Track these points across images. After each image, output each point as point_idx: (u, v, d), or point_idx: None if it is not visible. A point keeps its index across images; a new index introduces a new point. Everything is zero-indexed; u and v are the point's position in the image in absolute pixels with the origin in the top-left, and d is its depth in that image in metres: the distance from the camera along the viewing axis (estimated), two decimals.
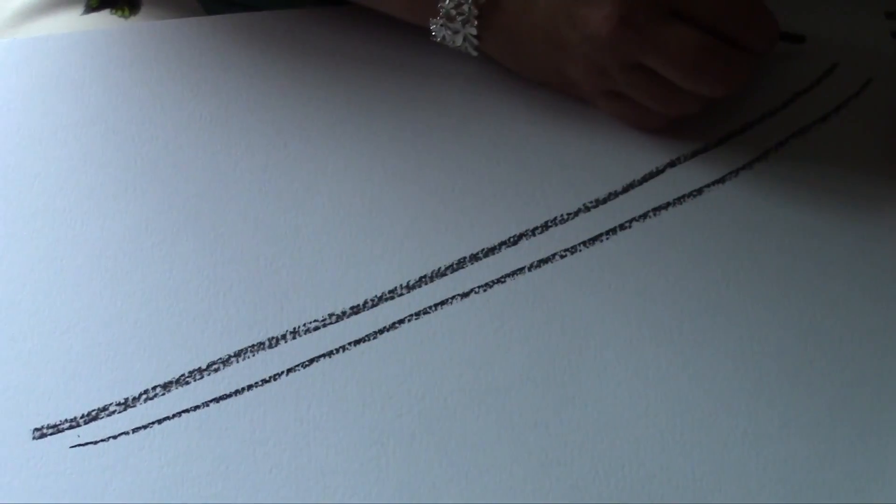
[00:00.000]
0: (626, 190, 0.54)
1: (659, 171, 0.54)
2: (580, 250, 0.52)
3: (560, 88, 0.55)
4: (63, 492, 0.45)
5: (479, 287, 0.50)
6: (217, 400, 0.47)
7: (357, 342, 0.49)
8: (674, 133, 0.55)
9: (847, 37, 0.59)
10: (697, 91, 0.51)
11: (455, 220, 0.52)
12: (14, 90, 0.56)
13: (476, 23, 0.52)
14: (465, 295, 0.50)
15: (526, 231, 0.52)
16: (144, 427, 0.47)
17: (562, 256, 0.52)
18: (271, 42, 0.58)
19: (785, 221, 0.53)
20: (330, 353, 0.48)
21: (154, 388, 0.48)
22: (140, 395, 0.47)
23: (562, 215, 0.53)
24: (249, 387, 0.48)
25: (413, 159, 0.54)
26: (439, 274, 0.51)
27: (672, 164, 0.55)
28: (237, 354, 0.48)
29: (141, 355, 0.48)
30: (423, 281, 0.51)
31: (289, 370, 0.48)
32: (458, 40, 0.53)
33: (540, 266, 0.51)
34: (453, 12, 0.52)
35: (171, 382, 0.48)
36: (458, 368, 0.48)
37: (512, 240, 0.52)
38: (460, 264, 0.51)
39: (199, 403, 0.47)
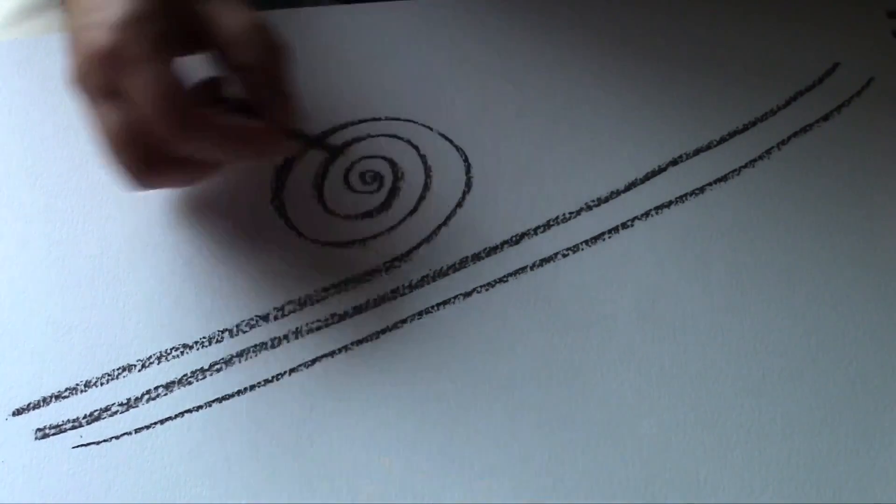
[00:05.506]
0: (628, 188, 0.54)
1: (661, 170, 0.54)
2: (583, 249, 0.52)
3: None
4: (65, 492, 0.45)
5: (481, 286, 0.50)
6: (220, 400, 0.47)
7: (360, 342, 0.49)
8: (676, 131, 0.55)
9: (848, 36, 0.59)
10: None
11: (456, 219, 0.52)
12: (14, 90, 0.56)
13: None
14: (467, 294, 0.50)
15: (528, 230, 0.52)
16: (147, 427, 0.47)
17: (564, 255, 0.51)
18: None
19: (787, 219, 0.53)
20: (333, 353, 0.48)
21: (157, 387, 0.47)
22: (143, 394, 0.47)
23: (564, 214, 0.53)
24: (252, 387, 0.48)
25: (415, 157, 0.54)
26: (442, 273, 0.51)
27: (674, 163, 0.54)
28: (240, 354, 0.48)
29: (143, 355, 0.48)
30: (425, 280, 0.50)
31: (292, 370, 0.48)
32: None
33: (542, 265, 0.51)
34: None
35: (173, 382, 0.48)
36: (460, 368, 0.48)
37: (514, 239, 0.52)
38: (462, 263, 0.51)
39: (201, 403, 0.47)
